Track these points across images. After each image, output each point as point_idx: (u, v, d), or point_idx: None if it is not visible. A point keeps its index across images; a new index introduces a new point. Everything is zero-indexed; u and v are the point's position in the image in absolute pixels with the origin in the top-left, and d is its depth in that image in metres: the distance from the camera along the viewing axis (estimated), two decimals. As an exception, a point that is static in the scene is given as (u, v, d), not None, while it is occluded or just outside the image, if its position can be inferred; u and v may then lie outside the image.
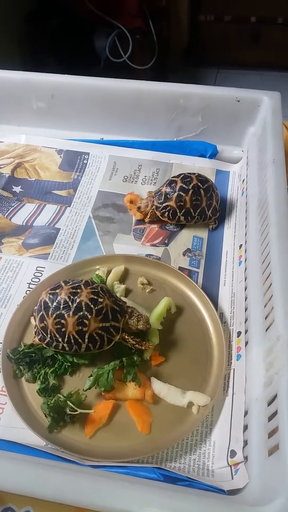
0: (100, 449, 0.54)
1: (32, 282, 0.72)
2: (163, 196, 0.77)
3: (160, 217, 0.79)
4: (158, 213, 0.79)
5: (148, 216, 0.80)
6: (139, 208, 0.81)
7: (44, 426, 0.56)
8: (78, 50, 2.10)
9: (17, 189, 0.89)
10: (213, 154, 0.91)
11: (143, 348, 0.60)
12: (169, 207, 0.77)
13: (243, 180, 0.84)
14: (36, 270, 0.74)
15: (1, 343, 0.63)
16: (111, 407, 0.57)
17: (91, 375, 0.58)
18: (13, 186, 0.89)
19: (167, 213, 0.78)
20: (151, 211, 0.79)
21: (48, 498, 0.44)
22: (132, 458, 0.53)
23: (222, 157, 0.92)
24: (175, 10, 2.32)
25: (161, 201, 0.78)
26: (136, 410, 0.57)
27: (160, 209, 0.78)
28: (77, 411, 0.55)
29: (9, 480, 0.45)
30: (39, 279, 0.72)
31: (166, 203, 0.77)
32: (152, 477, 0.49)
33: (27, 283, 0.72)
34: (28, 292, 0.70)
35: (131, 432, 0.56)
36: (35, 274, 0.73)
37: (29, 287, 0.71)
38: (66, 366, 0.61)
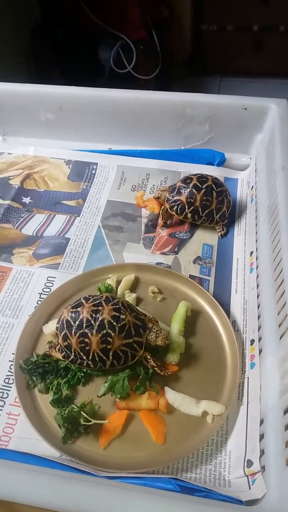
0: (115, 460, 0.54)
1: (43, 292, 0.72)
2: (176, 190, 0.78)
3: (169, 210, 0.80)
4: (167, 205, 0.79)
5: (160, 217, 0.82)
6: (158, 198, 0.82)
7: (58, 437, 0.55)
8: (83, 62, 2.12)
9: (27, 200, 0.89)
10: (221, 162, 0.92)
11: (162, 373, 0.59)
12: (179, 201, 0.78)
13: (252, 187, 0.84)
14: (47, 280, 0.74)
15: (13, 353, 0.63)
16: (125, 417, 0.57)
17: (105, 382, 0.58)
18: (23, 197, 0.90)
19: (176, 207, 0.78)
20: (163, 208, 0.81)
21: (63, 510, 0.43)
22: (147, 468, 0.52)
23: (230, 165, 0.92)
24: (178, 20, 2.35)
25: (173, 194, 0.78)
26: (150, 420, 0.57)
27: (170, 201, 0.79)
28: (91, 421, 0.55)
29: (24, 491, 0.44)
30: (50, 289, 0.72)
31: (177, 197, 0.78)
32: (169, 488, 0.49)
33: (38, 293, 0.72)
34: (39, 302, 0.70)
35: (146, 443, 0.55)
36: (46, 284, 0.73)
37: (40, 297, 0.71)
38: (79, 376, 0.60)
